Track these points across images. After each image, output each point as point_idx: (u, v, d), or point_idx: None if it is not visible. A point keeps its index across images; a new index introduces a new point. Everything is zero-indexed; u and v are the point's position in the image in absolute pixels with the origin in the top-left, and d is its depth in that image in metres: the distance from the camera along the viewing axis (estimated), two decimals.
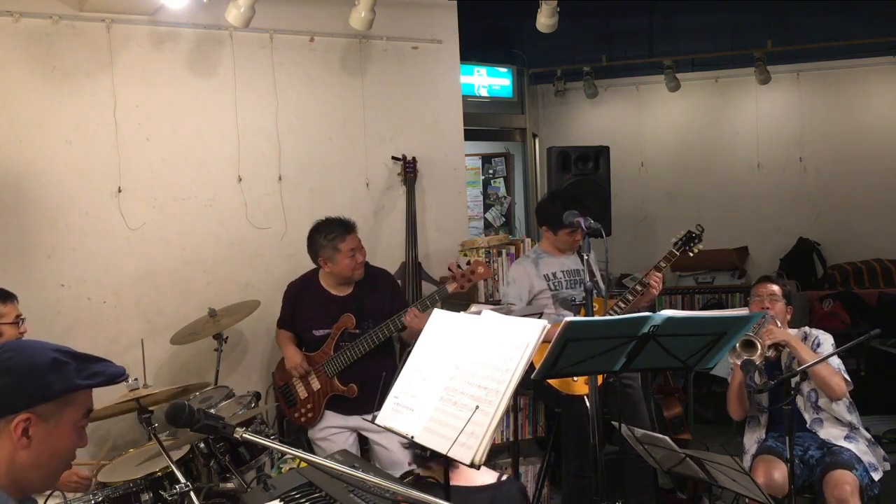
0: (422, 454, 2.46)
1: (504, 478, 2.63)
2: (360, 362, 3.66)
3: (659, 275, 3.65)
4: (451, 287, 3.71)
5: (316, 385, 3.75)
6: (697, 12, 7.17)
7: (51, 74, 4.03)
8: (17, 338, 3.11)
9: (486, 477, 2.62)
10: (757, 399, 3.48)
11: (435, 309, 2.47)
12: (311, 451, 3.86)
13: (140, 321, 4.23)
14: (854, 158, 6.97)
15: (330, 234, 3.68)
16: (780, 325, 3.37)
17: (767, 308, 3.42)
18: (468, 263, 3.83)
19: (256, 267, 4.53)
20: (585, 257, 3.09)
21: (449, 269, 3.78)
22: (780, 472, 3.23)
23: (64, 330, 4.03)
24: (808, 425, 3.37)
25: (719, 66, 7.27)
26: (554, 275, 3.88)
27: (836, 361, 3.29)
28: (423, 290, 4.71)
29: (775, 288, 3.51)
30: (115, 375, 1.55)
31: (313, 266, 3.88)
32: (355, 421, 3.70)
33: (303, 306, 3.84)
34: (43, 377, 1.45)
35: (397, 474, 3.45)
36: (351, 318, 3.70)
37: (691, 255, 3.67)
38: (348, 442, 3.77)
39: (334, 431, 3.75)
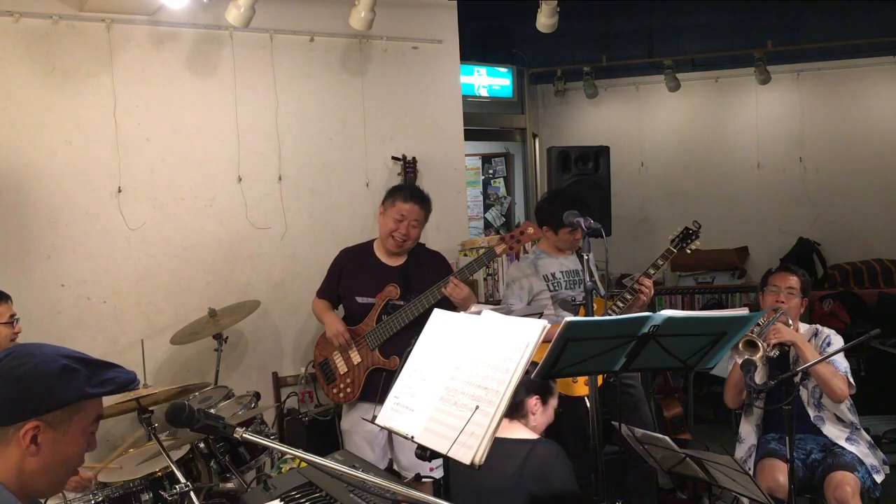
0: (422, 454, 2.46)
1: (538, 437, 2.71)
2: (402, 335, 3.49)
3: (649, 282, 3.62)
4: (499, 249, 3.58)
5: (357, 359, 3.63)
6: (697, 12, 7.18)
7: (51, 74, 4.03)
8: (11, 338, 3.11)
9: (523, 433, 2.72)
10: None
11: (435, 309, 2.47)
12: (342, 443, 3.81)
13: (140, 321, 4.23)
14: (854, 158, 6.97)
15: (400, 192, 3.72)
16: (790, 322, 3.31)
17: (782, 302, 3.35)
18: (518, 227, 3.70)
19: (256, 267, 4.53)
20: (585, 257, 3.08)
21: (498, 232, 3.70)
22: (784, 476, 3.21)
23: (64, 330, 4.03)
24: (811, 419, 3.35)
25: (719, 66, 7.27)
26: (553, 275, 3.88)
27: (844, 365, 3.26)
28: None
29: (794, 280, 3.39)
30: (126, 383, 1.55)
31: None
32: None
33: (351, 271, 3.78)
34: (53, 385, 1.44)
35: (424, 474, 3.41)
36: (396, 289, 3.61)
37: (689, 251, 3.64)
38: (381, 440, 3.65)
39: (369, 427, 3.54)
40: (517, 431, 2.77)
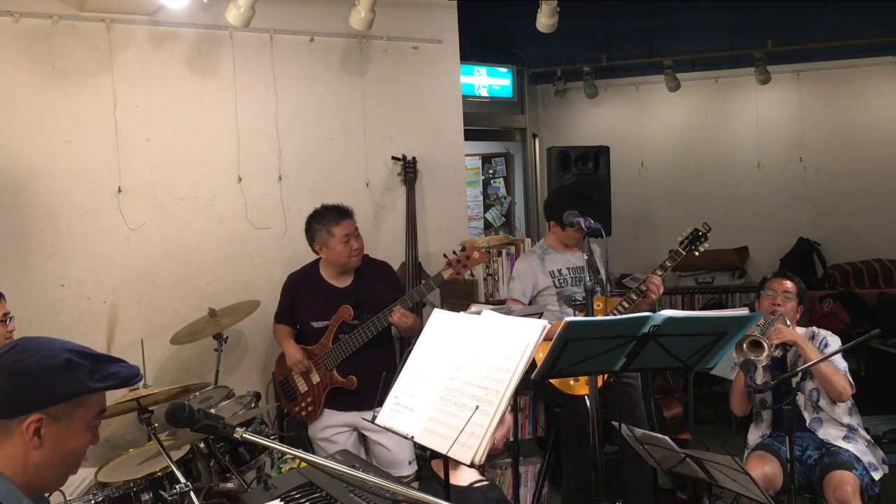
0: (422, 454, 2.45)
1: (478, 484, 2.56)
2: (358, 354, 3.64)
3: (657, 280, 3.63)
4: (446, 274, 3.66)
5: (315, 378, 3.73)
6: (697, 12, 7.17)
7: (51, 74, 4.03)
8: (6, 336, 3.10)
9: (467, 477, 2.57)
10: (762, 396, 3.46)
11: (435, 309, 2.47)
12: (312, 451, 3.86)
13: (140, 321, 4.23)
14: (854, 158, 6.97)
15: (325, 218, 3.68)
16: (788, 323, 3.35)
17: (778, 305, 3.39)
18: (463, 249, 3.78)
19: (256, 267, 4.53)
20: (586, 257, 3.08)
21: (444, 256, 3.75)
22: (771, 468, 3.24)
23: (64, 330, 4.02)
24: (807, 424, 3.37)
25: (719, 66, 7.27)
26: (559, 271, 3.88)
27: (842, 365, 3.28)
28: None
29: (790, 285, 3.45)
30: (129, 377, 1.57)
31: (290, 282, 3.90)
32: (354, 417, 3.70)
33: (302, 297, 3.82)
34: (55, 379, 1.46)
35: (396, 474, 3.46)
36: (349, 310, 3.67)
37: (697, 253, 3.65)
38: (349, 441, 3.76)
39: (335, 431, 3.74)
40: (462, 475, 2.54)
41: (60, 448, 1.49)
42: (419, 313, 4.21)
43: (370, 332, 3.62)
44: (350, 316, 3.67)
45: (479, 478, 2.57)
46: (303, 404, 3.77)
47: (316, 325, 3.75)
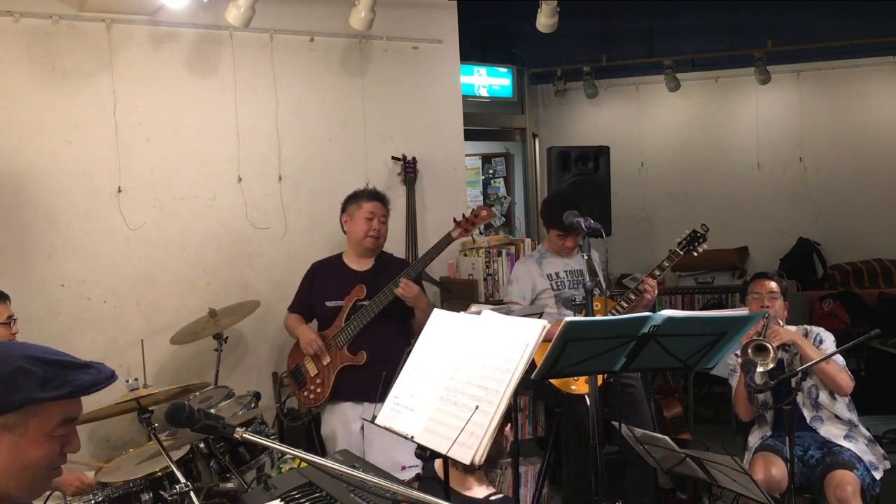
0: (421, 454, 2.44)
1: (493, 497, 2.55)
2: (369, 331, 3.66)
3: (653, 281, 3.63)
4: (455, 233, 3.75)
5: (326, 360, 3.72)
6: (697, 12, 7.18)
7: (51, 74, 4.03)
8: (8, 338, 3.10)
9: (479, 490, 2.56)
10: (762, 398, 3.46)
11: (435, 309, 2.47)
12: (321, 444, 3.85)
13: (140, 321, 4.23)
14: (854, 158, 6.98)
15: (361, 194, 3.85)
16: (781, 323, 3.36)
17: (767, 307, 3.39)
18: (472, 211, 3.84)
19: (256, 267, 4.53)
20: (585, 257, 3.08)
21: (454, 220, 3.80)
22: (777, 469, 3.23)
23: (64, 330, 4.02)
24: (808, 422, 3.37)
25: (719, 66, 7.27)
26: (557, 274, 3.89)
27: (839, 358, 3.29)
28: (423, 289, 4.70)
29: (773, 285, 3.47)
30: (88, 385, 1.48)
31: (312, 267, 3.94)
32: (365, 411, 3.68)
33: (321, 280, 3.88)
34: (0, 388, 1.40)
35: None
36: (362, 289, 3.71)
37: (695, 254, 3.65)
38: (359, 441, 3.72)
39: (349, 428, 3.72)
40: (473, 487, 2.51)
41: (18, 458, 1.43)
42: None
43: (378, 306, 3.64)
44: (363, 295, 3.71)
45: (493, 490, 2.57)
46: (311, 387, 3.75)
47: (330, 304, 3.77)
